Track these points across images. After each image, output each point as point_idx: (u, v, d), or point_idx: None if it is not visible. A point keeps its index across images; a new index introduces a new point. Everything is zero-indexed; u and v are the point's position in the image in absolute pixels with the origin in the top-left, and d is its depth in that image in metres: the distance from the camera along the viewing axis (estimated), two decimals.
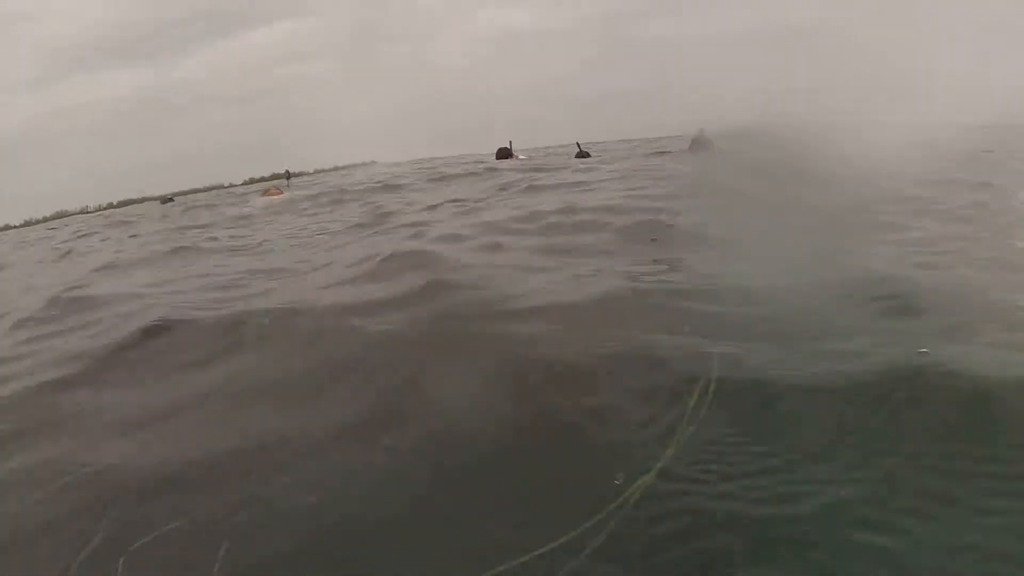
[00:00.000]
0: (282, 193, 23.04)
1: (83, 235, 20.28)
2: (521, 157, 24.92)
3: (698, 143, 16.80)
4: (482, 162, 26.01)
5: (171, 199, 30.70)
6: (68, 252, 14.08)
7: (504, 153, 26.26)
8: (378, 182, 20.97)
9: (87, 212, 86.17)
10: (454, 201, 11.08)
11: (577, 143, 23.94)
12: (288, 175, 28.78)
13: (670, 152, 18.22)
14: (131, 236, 15.68)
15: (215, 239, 11.08)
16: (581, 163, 18.50)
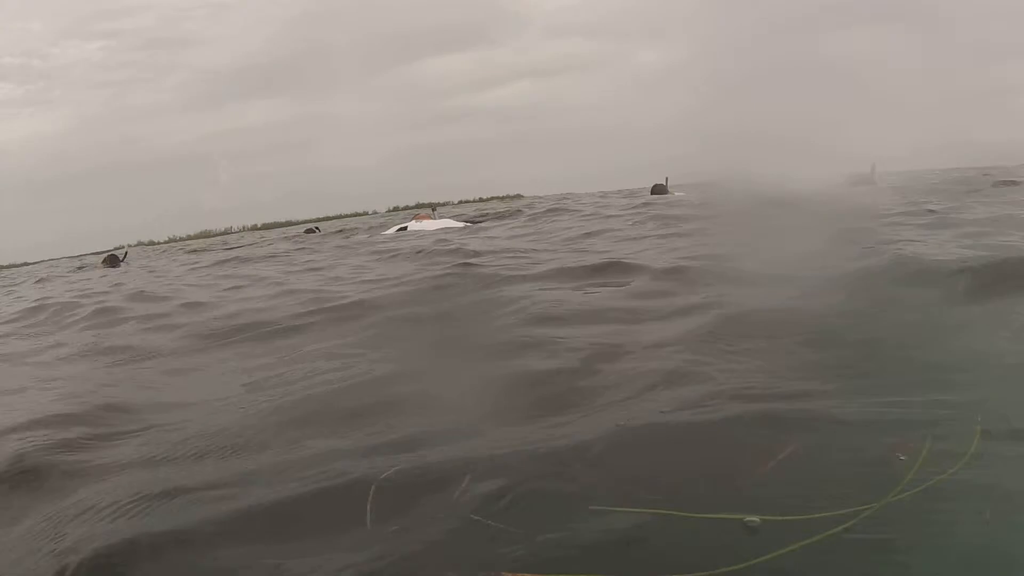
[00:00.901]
0: (431, 218, 23.85)
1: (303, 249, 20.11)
2: (678, 194, 24.34)
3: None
4: (636, 196, 26.39)
5: (316, 229, 30.71)
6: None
7: (660, 189, 25.97)
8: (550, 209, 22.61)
9: (230, 232, 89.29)
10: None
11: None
12: (434, 208, 29.69)
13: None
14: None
15: None
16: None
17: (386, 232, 22.43)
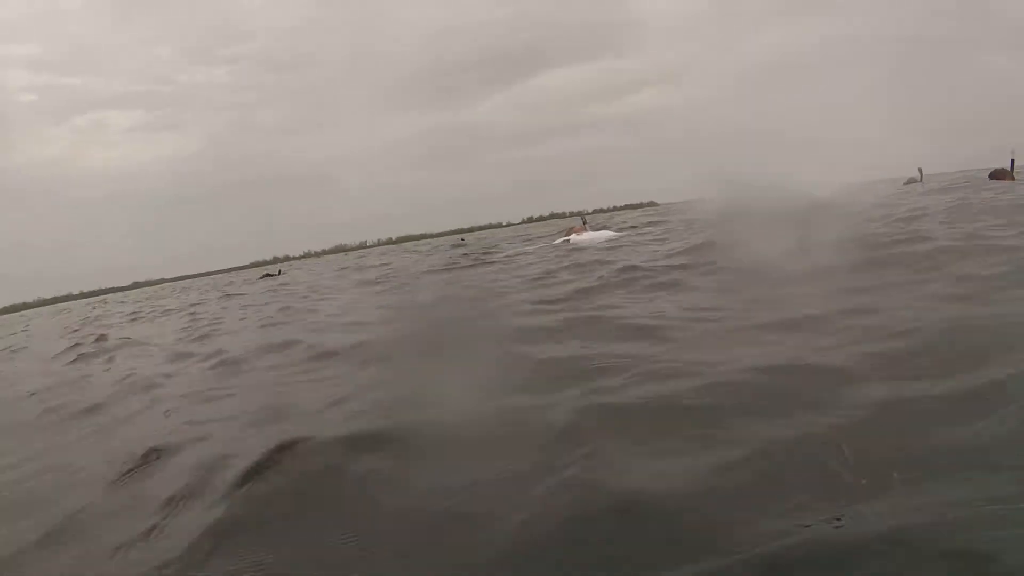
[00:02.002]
0: (584, 231, 23.77)
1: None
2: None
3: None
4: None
5: (463, 241, 30.71)
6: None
7: (1001, 174, 24.41)
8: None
9: (365, 246, 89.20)
10: None
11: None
12: (584, 220, 29.08)
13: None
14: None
15: None
16: None
17: (554, 243, 22.71)
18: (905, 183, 27.60)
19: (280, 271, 30.60)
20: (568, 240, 21.60)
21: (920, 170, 29.11)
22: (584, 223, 29.09)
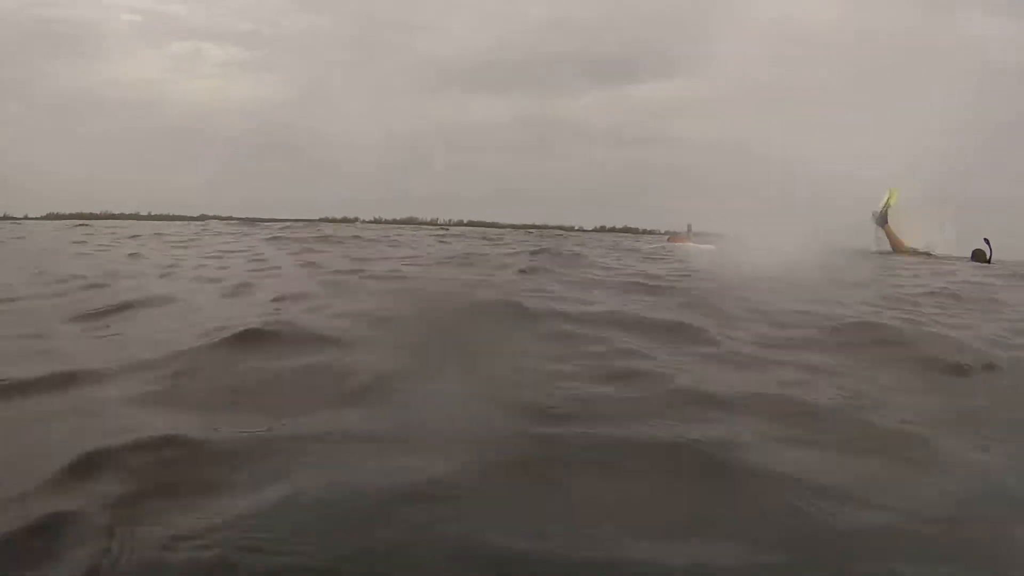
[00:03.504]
0: (688, 240, 22.94)
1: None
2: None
3: None
4: None
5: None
6: None
7: (980, 256, 20.97)
8: None
9: (436, 223, 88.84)
10: None
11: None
12: (689, 228, 26.09)
13: None
14: None
15: None
16: None
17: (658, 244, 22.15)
18: (971, 260, 20.68)
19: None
20: (666, 247, 21.10)
21: (987, 242, 21.77)
22: (689, 230, 27.84)
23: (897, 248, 27.00)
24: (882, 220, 28.68)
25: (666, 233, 34.80)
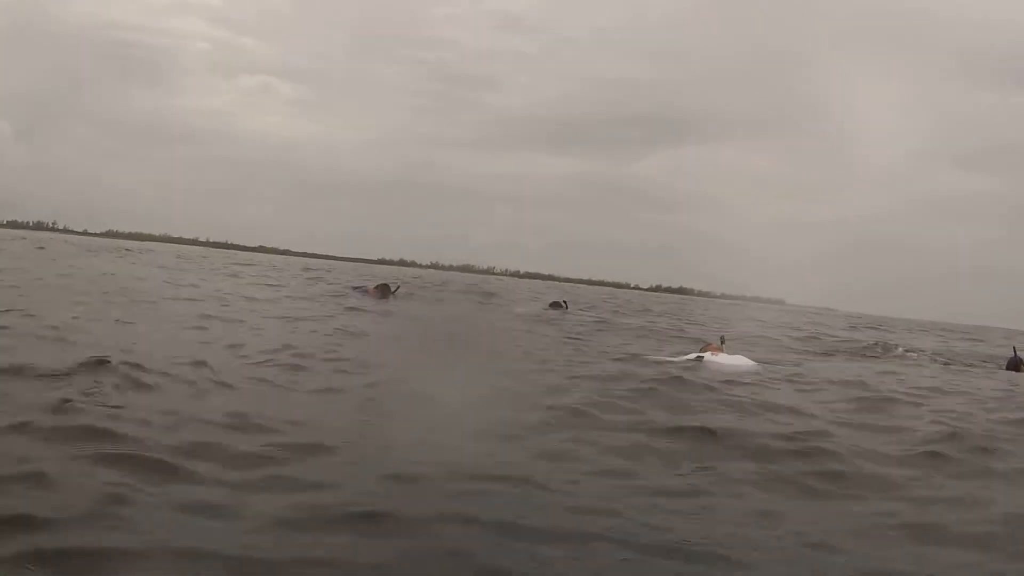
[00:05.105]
0: (721, 351, 19.50)
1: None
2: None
3: None
4: None
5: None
6: None
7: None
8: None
9: (492, 272, 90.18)
10: None
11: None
12: (723, 340, 25.04)
13: None
14: None
15: None
16: None
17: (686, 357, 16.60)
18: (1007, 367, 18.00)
19: (399, 287, 23.72)
20: (702, 358, 18.32)
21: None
22: (722, 342, 26.50)
23: None
24: None
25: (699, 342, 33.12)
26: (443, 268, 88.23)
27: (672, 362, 16.04)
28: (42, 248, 34.82)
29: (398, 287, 22.14)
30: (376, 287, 21.85)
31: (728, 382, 8.65)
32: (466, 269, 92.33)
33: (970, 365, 15.60)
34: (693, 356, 17.55)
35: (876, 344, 18.56)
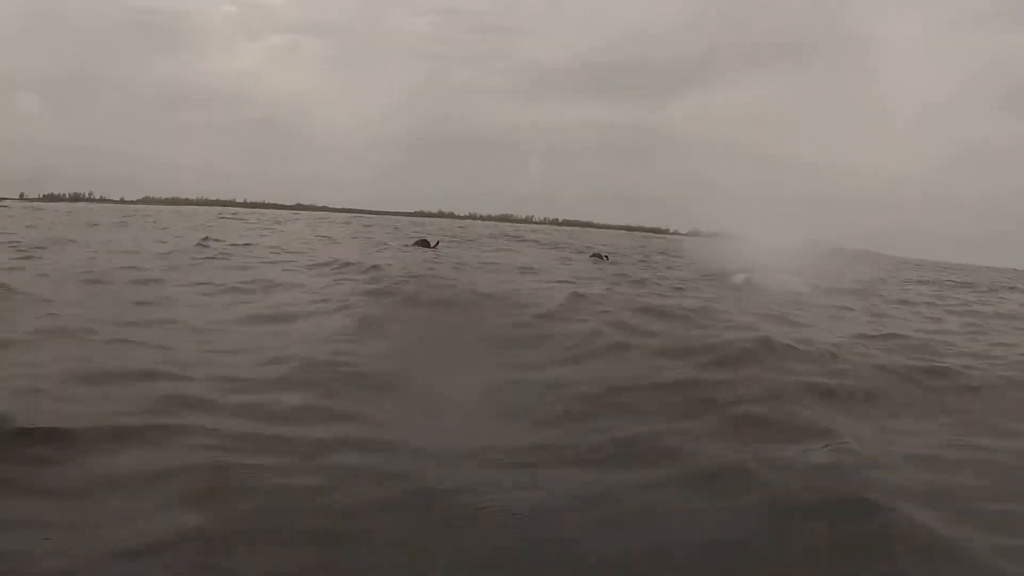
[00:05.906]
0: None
1: None
2: None
3: None
4: None
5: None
6: None
7: None
8: None
9: (531, 221, 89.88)
10: None
11: None
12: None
13: None
14: None
15: None
16: None
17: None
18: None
19: (438, 242, 24.54)
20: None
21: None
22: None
23: None
24: None
25: None
26: (482, 218, 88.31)
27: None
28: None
29: (438, 242, 24.02)
30: (416, 242, 23.88)
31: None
32: (504, 219, 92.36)
33: None
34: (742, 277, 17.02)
35: None
